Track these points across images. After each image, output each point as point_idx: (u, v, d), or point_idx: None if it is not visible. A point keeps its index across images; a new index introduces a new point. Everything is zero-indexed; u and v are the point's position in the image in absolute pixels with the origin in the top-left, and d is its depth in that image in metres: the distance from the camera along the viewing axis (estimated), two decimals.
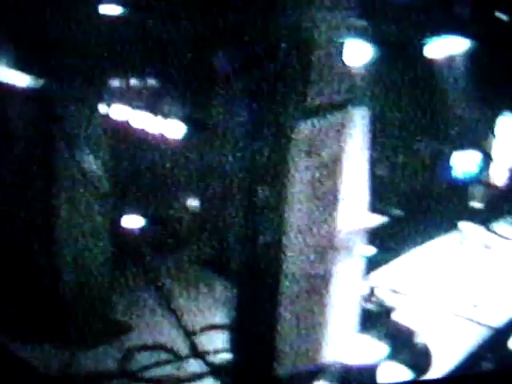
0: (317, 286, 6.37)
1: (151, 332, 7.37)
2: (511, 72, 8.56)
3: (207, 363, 7.01)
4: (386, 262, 7.88)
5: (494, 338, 7.26)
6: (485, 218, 8.65)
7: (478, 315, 7.30)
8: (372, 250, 8.17)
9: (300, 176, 6.06)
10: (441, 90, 8.22)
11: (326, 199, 6.26)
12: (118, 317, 7.63)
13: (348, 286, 6.60)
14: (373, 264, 7.90)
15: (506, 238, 8.26)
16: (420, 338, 7.03)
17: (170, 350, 7.16)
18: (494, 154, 9.24)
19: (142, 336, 7.42)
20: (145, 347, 7.24)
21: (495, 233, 8.36)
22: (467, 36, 8.02)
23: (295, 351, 6.42)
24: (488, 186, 9.05)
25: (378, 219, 8.57)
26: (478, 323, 7.23)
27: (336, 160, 6.22)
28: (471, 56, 8.27)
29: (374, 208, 8.25)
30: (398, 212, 8.43)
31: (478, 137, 8.95)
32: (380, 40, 6.88)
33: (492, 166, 9.21)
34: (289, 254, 6.09)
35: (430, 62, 7.79)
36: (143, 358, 7.16)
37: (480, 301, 7.48)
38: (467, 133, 8.68)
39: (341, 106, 6.23)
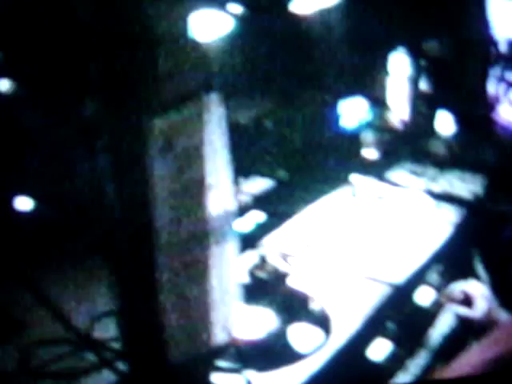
0: (201, 270, 6.12)
1: (45, 327, 7.16)
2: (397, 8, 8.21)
3: (103, 352, 6.90)
4: (276, 226, 7.64)
5: (396, 294, 7.10)
6: (379, 168, 8.35)
7: (377, 272, 7.11)
8: (261, 217, 7.99)
9: (162, 170, 5.83)
10: (317, 41, 7.80)
11: (194, 187, 6.01)
12: (10, 314, 7.47)
13: (234, 262, 6.42)
14: (263, 230, 7.74)
15: (404, 187, 7.95)
16: (318, 302, 6.88)
17: (65, 343, 7.00)
18: (386, 97, 8.91)
19: (35, 332, 7.21)
20: (40, 342, 7.08)
21: (392, 182, 8.04)
22: None
23: (188, 335, 6.24)
24: (382, 132, 8.71)
25: (264, 183, 8.32)
26: (378, 280, 7.05)
27: (198, 148, 5.94)
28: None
29: (258, 172, 8.03)
30: (283, 172, 8.13)
31: (367, 82, 8.57)
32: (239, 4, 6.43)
33: (385, 110, 8.87)
34: (162, 243, 5.87)
35: (299, 16, 7.31)
36: (41, 354, 6.97)
37: (378, 256, 7.28)
38: (354, 79, 8.29)
39: (198, 92, 5.89)
